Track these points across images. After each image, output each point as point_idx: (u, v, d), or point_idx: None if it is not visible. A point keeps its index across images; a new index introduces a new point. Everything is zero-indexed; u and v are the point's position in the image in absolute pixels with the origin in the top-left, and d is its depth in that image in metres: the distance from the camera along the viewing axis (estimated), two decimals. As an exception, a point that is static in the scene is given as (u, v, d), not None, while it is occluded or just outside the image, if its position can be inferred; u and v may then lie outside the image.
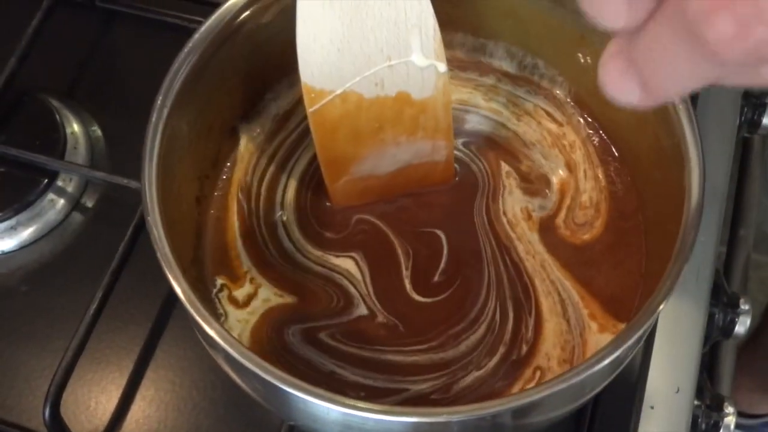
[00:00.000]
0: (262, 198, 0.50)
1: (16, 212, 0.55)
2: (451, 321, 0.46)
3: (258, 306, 0.47)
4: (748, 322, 0.56)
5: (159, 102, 0.43)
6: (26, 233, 0.56)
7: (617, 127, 0.50)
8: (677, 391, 0.51)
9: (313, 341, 0.46)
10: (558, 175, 0.51)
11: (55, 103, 0.59)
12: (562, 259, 0.48)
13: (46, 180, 0.56)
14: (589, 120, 0.52)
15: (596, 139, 0.52)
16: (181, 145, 0.45)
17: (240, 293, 0.47)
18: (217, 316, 0.45)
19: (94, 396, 0.51)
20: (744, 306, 0.56)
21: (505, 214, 0.49)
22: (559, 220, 0.49)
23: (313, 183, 0.51)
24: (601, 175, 0.50)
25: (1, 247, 0.56)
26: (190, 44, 0.44)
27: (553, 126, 0.52)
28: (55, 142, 0.57)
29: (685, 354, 0.52)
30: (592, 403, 0.49)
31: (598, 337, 0.45)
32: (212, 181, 0.50)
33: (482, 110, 0.53)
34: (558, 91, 0.53)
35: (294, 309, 0.47)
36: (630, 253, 0.48)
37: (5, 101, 0.58)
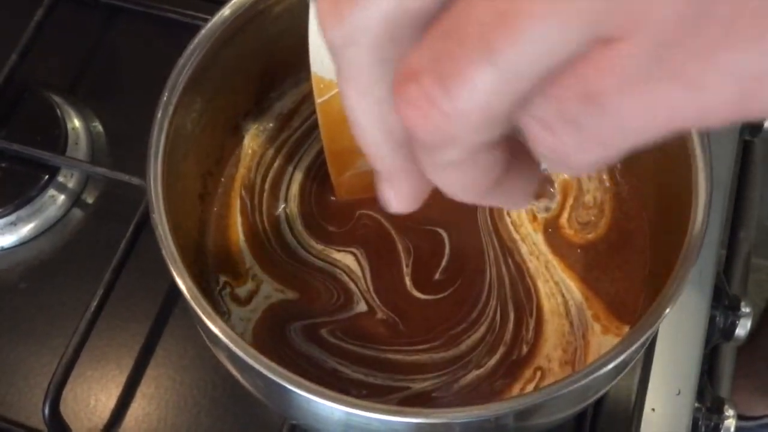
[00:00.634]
0: (265, 194, 0.50)
1: (17, 208, 0.55)
2: (452, 320, 0.46)
3: (260, 303, 0.47)
4: (749, 324, 0.56)
5: (164, 99, 0.42)
6: (26, 229, 0.56)
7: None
8: (678, 394, 0.51)
9: (315, 338, 0.46)
10: (562, 175, 0.50)
11: (56, 98, 0.59)
12: (567, 259, 0.48)
13: (47, 176, 0.56)
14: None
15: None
16: (186, 142, 0.45)
17: (242, 290, 0.47)
18: (221, 314, 0.45)
19: (94, 394, 0.51)
20: (745, 308, 0.56)
21: (509, 214, 0.49)
22: (563, 220, 0.49)
23: (318, 177, 0.51)
24: (605, 176, 0.50)
25: (1, 243, 0.55)
26: (195, 41, 0.44)
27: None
28: (56, 137, 0.57)
29: (687, 356, 0.52)
30: (594, 405, 0.49)
31: (601, 339, 0.45)
32: (215, 178, 0.50)
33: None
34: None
35: (295, 305, 0.47)
36: (634, 254, 0.48)
37: (6, 97, 0.58)
